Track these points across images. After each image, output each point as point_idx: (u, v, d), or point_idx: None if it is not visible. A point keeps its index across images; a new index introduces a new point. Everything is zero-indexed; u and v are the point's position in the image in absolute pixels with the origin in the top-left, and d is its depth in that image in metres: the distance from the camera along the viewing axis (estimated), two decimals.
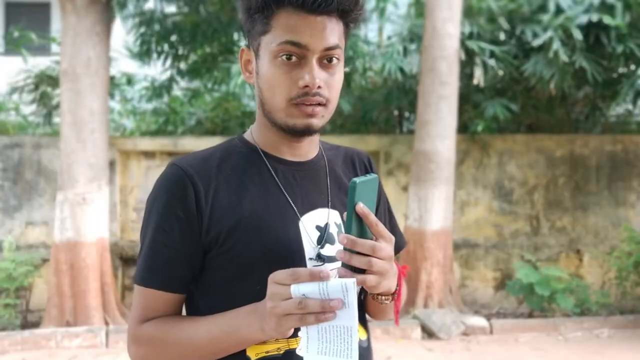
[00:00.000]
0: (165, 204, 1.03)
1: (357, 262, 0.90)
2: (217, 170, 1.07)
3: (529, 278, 5.85)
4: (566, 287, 5.95)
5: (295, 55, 0.98)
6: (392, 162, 6.95)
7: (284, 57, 0.98)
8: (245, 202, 1.03)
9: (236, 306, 1.00)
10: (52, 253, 5.77)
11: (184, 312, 1.11)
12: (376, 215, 0.94)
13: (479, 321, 5.75)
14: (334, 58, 1.00)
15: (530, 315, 6.17)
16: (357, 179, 0.90)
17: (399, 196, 6.84)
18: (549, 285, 5.81)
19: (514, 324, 5.86)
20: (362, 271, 0.91)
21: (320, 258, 1.04)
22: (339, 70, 1.03)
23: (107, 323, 5.60)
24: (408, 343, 5.37)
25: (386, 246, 0.93)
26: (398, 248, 1.15)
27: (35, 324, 5.81)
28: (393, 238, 0.96)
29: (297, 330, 0.96)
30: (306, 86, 0.98)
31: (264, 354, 1.03)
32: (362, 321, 1.18)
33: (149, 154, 6.83)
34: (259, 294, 0.95)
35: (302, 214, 1.06)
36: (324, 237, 1.06)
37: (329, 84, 1.00)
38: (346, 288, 0.85)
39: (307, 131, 1.03)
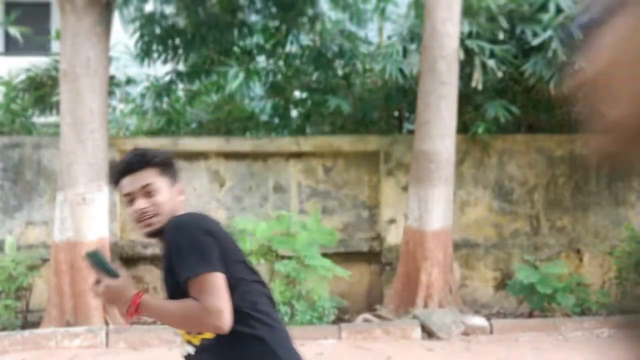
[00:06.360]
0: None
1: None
2: None
3: (529, 278, 5.85)
4: (566, 286, 5.95)
5: (127, 198, 1.75)
6: (392, 162, 6.94)
7: (125, 201, 1.77)
8: None
9: None
10: (52, 253, 5.77)
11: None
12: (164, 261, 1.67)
13: (479, 321, 5.75)
14: (150, 191, 1.72)
15: (530, 315, 6.17)
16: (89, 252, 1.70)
17: (399, 196, 6.83)
18: (549, 284, 5.81)
19: (514, 323, 5.86)
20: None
21: None
22: (159, 192, 1.72)
23: (107, 323, 5.60)
24: (408, 343, 5.37)
25: (102, 284, 1.64)
26: (183, 278, 1.59)
27: (36, 324, 5.81)
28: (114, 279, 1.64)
29: None
30: (136, 213, 1.72)
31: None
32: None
33: None
34: None
35: None
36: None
37: (154, 203, 1.71)
38: None
39: (149, 234, 1.72)
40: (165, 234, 1.66)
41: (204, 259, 1.56)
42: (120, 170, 1.76)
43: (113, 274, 1.63)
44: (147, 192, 1.71)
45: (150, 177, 1.72)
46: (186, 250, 1.58)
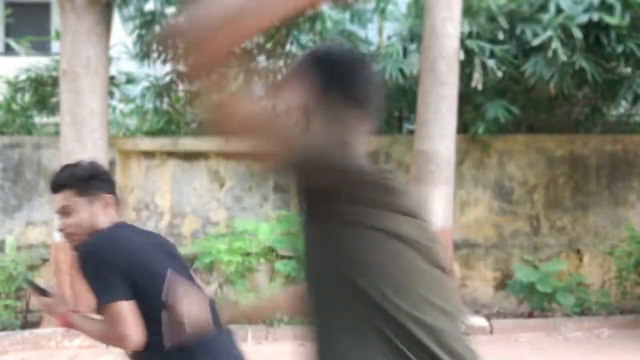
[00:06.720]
0: None
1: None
2: None
3: (529, 277, 5.84)
4: (566, 286, 5.95)
5: (57, 215, 1.89)
6: (392, 162, 6.94)
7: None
8: None
9: None
10: (52, 253, 5.77)
11: None
12: None
13: (479, 321, 5.75)
14: (67, 212, 1.84)
15: (530, 315, 6.17)
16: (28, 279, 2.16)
17: None
18: (549, 282, 5.81)
19: (514, 324, 5.86)
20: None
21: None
22: (74, 212, 1.84)
23: None
24: None
25: (38, 301, 1.93)
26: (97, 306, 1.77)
27: (36, 324, 5.81)
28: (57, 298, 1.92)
29: None
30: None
31: None
32: None
33: (148, 154, 6.82)
34: None
35: None
36: None
37: (70, 224, 1.84)
38: None
39: (74, 249, 1.88)
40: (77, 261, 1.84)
41: (107, 288, 1.74)
42: (51, 189, 1.92)
43: (47, 294, 1.94)
44: (64, 212, 1.86)
45: (66, 198, 1.86)
46: (91, 281, 1.79)
